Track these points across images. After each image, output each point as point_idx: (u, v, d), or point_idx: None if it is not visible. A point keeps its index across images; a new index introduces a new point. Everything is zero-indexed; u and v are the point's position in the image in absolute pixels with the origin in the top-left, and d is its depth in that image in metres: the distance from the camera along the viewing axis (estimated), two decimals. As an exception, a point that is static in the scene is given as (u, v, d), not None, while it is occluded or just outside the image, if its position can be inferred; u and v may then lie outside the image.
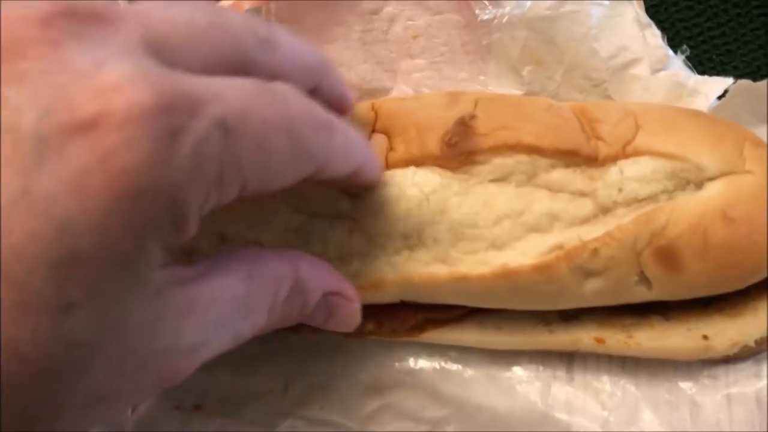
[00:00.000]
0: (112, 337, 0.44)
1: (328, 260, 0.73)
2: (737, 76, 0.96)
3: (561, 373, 0.88)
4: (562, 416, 0.86)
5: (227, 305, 0.57)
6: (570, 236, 0.74)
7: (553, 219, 0.76)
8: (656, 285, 0.74)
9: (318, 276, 0.67)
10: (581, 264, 0.73)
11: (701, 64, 0.96)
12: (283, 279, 0.63)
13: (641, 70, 0.90)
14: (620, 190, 0.75)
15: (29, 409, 0.41)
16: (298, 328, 0.89)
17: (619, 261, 0.73)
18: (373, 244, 0.78)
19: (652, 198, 0.75)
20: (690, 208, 0.73)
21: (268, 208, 0.80)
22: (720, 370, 0.84)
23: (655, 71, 0.90)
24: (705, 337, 0.80)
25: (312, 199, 0.79)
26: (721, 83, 0.88)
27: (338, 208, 0.78)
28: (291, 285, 0.63)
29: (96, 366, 0.44)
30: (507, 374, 0.89)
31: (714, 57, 0.97)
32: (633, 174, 0.75)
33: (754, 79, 0.93)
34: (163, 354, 0.50)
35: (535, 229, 0.76)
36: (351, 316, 0.72)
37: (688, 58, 0.94)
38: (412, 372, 0.92)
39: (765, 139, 0.86)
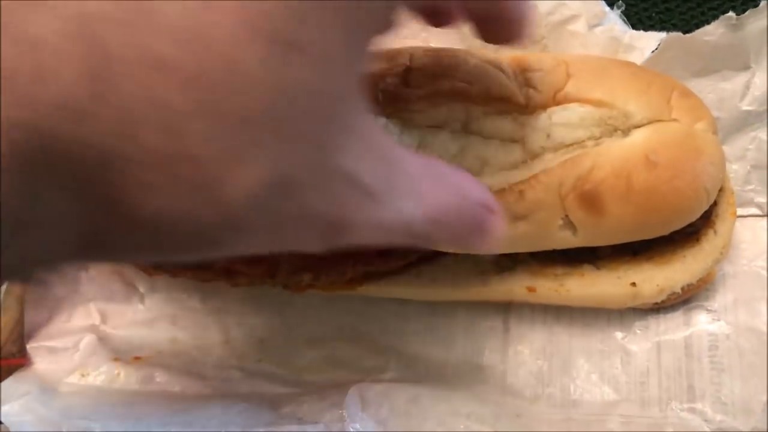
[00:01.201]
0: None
1: None
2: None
3: (497, 323, 0.90)
4: (497, 365, 0.87)
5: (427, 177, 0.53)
6: (498, 180, 0.75)
7: (483, 163, 0.76)
8: (581, 229, 0.75)
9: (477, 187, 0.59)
10: (507, 207, 0.74)
11: (641, 22, 0.97)
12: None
13: (579, 26, 0.91)
14: (548, 136, 0.76)
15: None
16: (237, 280, 0.90)
17: (544, 204, 0.74)
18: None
19: (579, 144, 0.75)
20: (615, 153, 0.74)
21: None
22: (651, 320, 0.86)
23: (591, 27, 0.91)
24: (633, 284, 0.81)
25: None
26: (655, 38, 0.89)
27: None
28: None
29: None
30: (445, 325, 0.90)
31: (653, 15, 0.98)
32: (561, 120, 0.76)
33: (693, 38, 0.95)
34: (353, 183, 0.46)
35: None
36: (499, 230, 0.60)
37: (628, 16, 0.95)
38: (353, 325, 0.93)
39: (696, 93, 0.87)
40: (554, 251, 0.81)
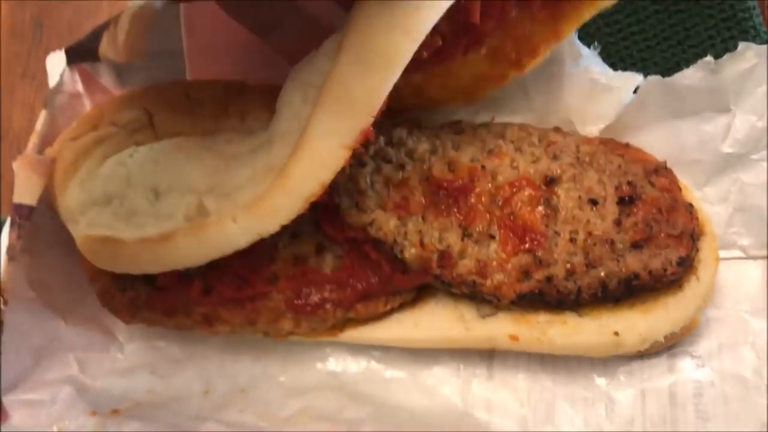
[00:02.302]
0: None
1: None
2: (658, 72, 0.96)
3: (481, 370, 0.88)
4: (481, 414, 0.86)
5: None
6: None
7: None
8: None
9: None
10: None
11: (622, 60, 0.96)
12: None
13: (556, 68, 0.90)
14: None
15: None
16: (217, 327, 0.89)
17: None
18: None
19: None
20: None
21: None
22: (635, 366, 0.85)
23: (569, 67, 0.90)
24: (616, 333, 0.80)
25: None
26: (633, 79, 0.88)
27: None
28: None
29: None
30: (428, 373, 0.89)
31: (634, 53, 0.97)
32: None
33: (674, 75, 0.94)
34: None
35: None
36: None
37: (609, 55, 0.95)
38: (335, 373, 0.91)
39: (677, 136, 0.87)
40: (538, 299, 0.80)
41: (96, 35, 0.96)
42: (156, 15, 0.92)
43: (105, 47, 0.96)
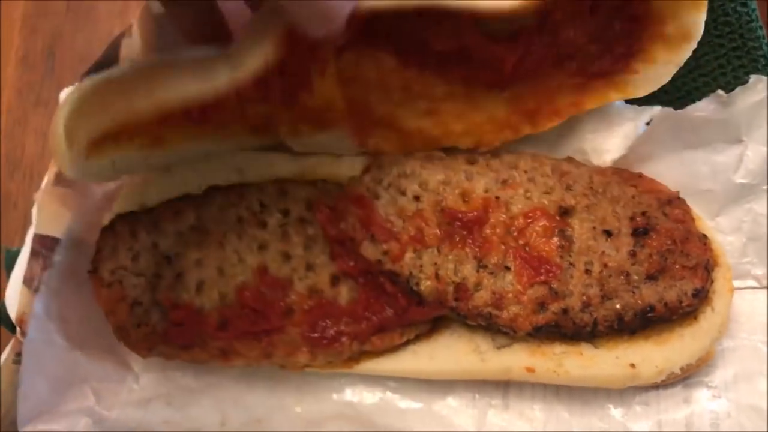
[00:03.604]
0: None
1: None
2: (668, 101, 0.97)
3: (497, 401, 0.89)
4: (497, 446, 0.86)
5: None
6: None
7: None
8: None
9: None
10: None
11: (633, 89, 0.97)
12: None
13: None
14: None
15: None
16: (233, 361, 0.89)
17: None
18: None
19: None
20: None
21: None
22: (651, 396, 0.85)
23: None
24: (632, 365, 0.80)
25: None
26: (647, 111, 0.89)
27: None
28: None
29: None
30: (443, 403, 0.89)
31: (645, 82, 0.98)
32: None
33: (685, 104, 0.95)
34: None
35: None
36: None
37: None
38: (351, 404, 0.92)
39: (689, 167, 0.87)
40: (554, 331, 0.81)
41: (113, 48, 0.95)
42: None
43: (125, 52, 0.96)
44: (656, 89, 0.88)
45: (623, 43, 0.87)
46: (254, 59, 0.79)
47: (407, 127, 0.93)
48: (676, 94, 0.98)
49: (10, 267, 1.01)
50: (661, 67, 0.87)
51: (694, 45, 0.85)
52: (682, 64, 0.86)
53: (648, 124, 0.89)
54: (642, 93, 0.87)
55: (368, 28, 0.86)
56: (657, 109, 0.88)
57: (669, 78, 0.87)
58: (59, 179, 0.91)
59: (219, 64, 0.79)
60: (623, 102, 0.91)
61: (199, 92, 0.79)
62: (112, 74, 0.78)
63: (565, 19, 0.85)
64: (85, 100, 0.77)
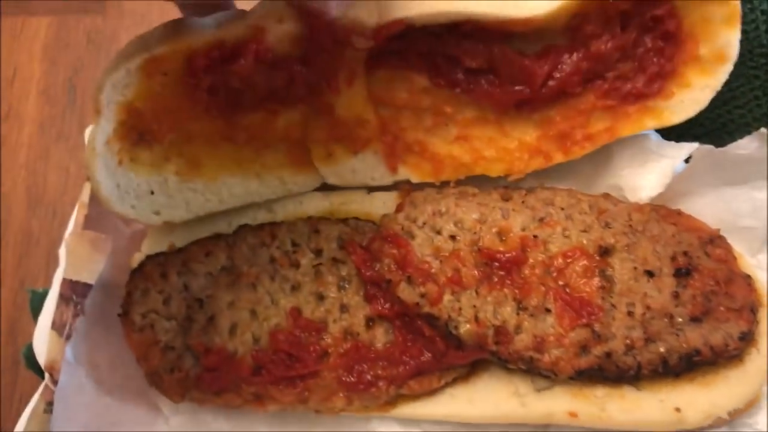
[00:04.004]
0: None
1: None
2: (703, 133, 0.96)
3: (536, 443, 0.87)
4: (537, 491, 0.85)
5: None
6: None
7: None
8: None
9: None
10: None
11: (667, 122, 0.96)
12: None
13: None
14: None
15: None
16: (267, 405, 0.87)
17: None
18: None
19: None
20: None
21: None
22: (695, 439, 0.84)
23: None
24: (677, 410, 0.79)
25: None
26: (685, 148, 0.88)
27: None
28: None
29: None
30: (482, 447, 0.88)
31: (679, 115, 0.97)
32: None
33: (720, 136, 0.94)
34: None
35: None
36: None
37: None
38: (387, 446, 0.90)
39: (730, 204, 0.86)
40: (596, 374, 0.79)
41: None
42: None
43: None
44: (692, 116, 0.86)
45: (655, 63, 0.86)
46: (269, 10, 0.80)
47: (438, 153, 0.92)
48: (711, 126, 0.97)
49: (36, 309, 0.99)
50: (697, 92, 0.86)
51: (730, 67, 0.84)
52: (719, 87, 0.85)
53: (687, 161, 0.88)
54: (678, 119, 0.86)
55: (400, 47, 0.86)
56: (695, 146, 0.87)
57: (706, 103, 0.86)
58: (89, 222, 0.89)
59: (236, 18, 0.81)
60: (659, 137, 0.90)
61: (218, 36, 0.79)
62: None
63: (596, 34, 0.85)
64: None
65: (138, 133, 0.81)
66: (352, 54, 0.83)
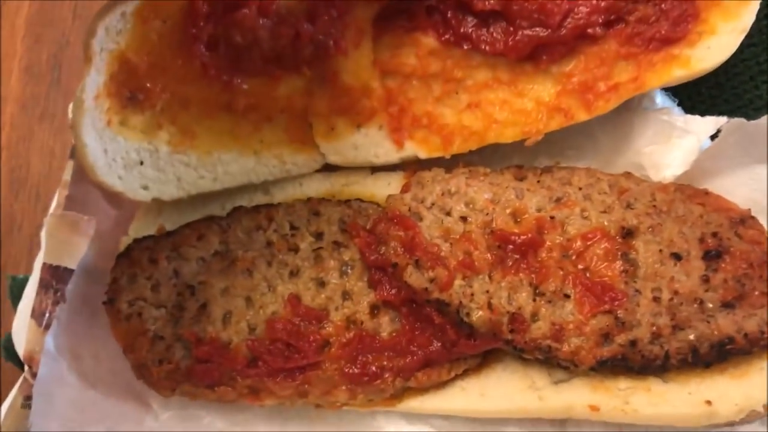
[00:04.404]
0: None
1: None
2: (728, 110, 0.90)
3: (553, 438, 0.82)
4: (555, 490, 0.79)
5: None
6: None
7: None
8: None
9: None
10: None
11: (689, 98, 0.90)
12: None
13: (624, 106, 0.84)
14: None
15: None
16: (264, 400, 0.82)
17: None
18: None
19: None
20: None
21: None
22: (725, 435, 0.78)
23: (644, 108, 0.84)
24: (708, 402, 0.73)
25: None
26: (712, 123, 0.82)
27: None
28: None
29: None
30: (494, 442, 0.82)
31: (703, 90, 0.91)
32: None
33: (746, 114, 0.88)
34: None
35: None
36: None
37: (676, 92, 0.88)
38: (393, 442, 0.85)
39: (762, 183, 0.80)
40: (620, 364, 0.73)
41: None
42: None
43: None
44: (722, 61, 0.80)
45: (677, 6, 0.80)
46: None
47: (448, 124, 0.87)
48: (737, 102, 0.91)
49: (15, 296, 0.94)
50: (724, 37, 0.80)
51: (756, 6, 0.78)
52: (747, 29, 0.79)
53: (713, 137, 0.82)
54: (708, 66, 0.79)
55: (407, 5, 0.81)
56: (723, 120, 0.81)
57: (735, 47, 0.79)
58: (70, 202, 0.83)
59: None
60: (682, 112, 0.84)
61: None
62: None
63: None
64: None
65: (130, 91, 0.75)
66: (360, 10, 0.77)
